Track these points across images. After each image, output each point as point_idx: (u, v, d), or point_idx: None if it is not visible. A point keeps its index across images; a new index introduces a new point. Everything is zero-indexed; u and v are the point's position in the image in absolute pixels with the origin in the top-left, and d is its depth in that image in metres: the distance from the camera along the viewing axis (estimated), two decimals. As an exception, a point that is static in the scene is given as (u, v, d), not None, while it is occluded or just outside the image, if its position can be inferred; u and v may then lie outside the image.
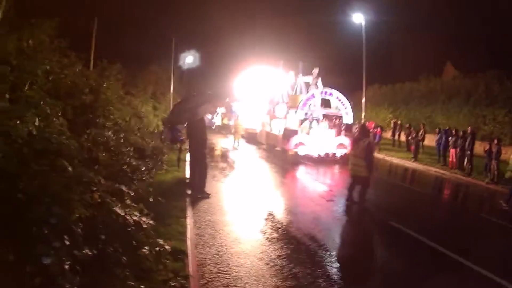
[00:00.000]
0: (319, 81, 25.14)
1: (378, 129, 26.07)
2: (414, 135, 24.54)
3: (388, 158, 24.83)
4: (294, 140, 21.69)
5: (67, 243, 3.64)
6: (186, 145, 13.98)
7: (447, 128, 23.70)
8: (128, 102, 15.68)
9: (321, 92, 23.39)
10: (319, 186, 15.38)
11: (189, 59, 50.72)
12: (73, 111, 7.86)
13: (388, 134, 31.06)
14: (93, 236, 4.37)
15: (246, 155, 24.85)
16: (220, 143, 30.35)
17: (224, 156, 23.47)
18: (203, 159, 12.14)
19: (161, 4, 47.63)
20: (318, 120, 24.17)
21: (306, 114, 23.71)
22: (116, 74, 11.95)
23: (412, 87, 38.21)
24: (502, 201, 13.39)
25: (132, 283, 4.30)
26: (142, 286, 4.34)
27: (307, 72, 26.67)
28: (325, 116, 24.95)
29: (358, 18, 32.39)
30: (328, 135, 22.92)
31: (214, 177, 14.83)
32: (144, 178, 10.12)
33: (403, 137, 28.98)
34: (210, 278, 6.13)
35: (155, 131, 16.55)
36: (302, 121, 23.51)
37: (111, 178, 6.26)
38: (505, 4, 33.83)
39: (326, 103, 24.57)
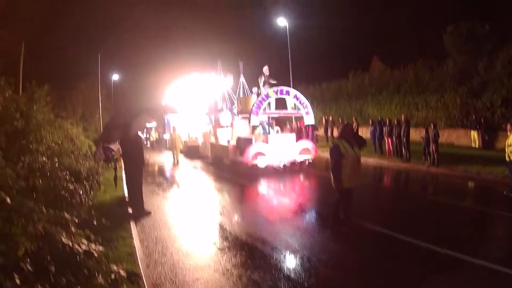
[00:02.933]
0: (271, 80, 21.64)
1: (310, 128, 26.31)
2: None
3: (323, 154, 24.34)
4: (252, 150, 18.33)
5: (18, 282, 3.21)
6: (121, 163, 13.45)
7: (379, 118, 24.35)
8: (59, 125, 14.94)
9: (276, 91, 19.97)
10: (277, 196, 14.69)
11: (115, 76, 49.69)
12: (5, 138, 7.27)
13: (320, 132, 31.04)
14: (42, 270, 3.94)
15: (188, 170, 22.48)
16: (158, 159, 28.87)
17: (164, 172, 22.28)
18: (139, 176, 11.62)
19: (85, 22, 46.03)
20: (271, 125, 21.79)
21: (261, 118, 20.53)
22: (45, 96, 11.27)
23: (340, 84, 38.89)
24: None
25: (92, 317, 3.88)
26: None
27: (247, 73, 25.27)
28: (274, 119, 22.67)
29: (282, 21, 32.91)
30: (289, 141, 19.85)
31: (155, 194, 14.35)
32: (83, 202, 9.55)
33: (336, 133, 29.23)
34: (169, 298, 5.75)
35: (88, 153, 15.83)
36: (254, 128, 20.51)
37: (51, 206, 5.78)
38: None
39: (280, 104, 21.62)
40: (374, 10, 42.41)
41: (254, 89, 22.54)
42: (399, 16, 39.80)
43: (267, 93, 19.69)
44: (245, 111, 21.19)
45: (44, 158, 8.52)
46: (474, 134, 24.13)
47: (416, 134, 23.20)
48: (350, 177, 8.54)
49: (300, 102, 20.34)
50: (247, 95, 24.14)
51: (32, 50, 27.04)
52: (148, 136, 44.25)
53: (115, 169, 14.99)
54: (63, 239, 4.27)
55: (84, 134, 23.28)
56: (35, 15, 27.07)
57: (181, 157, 26.01)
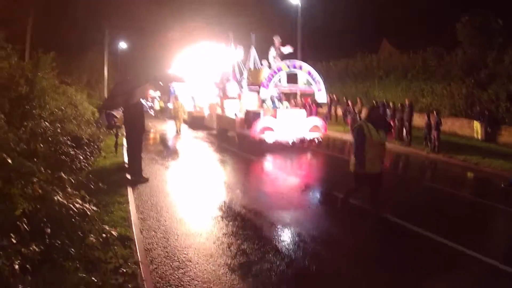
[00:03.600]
0: (287, 49, 20.68)
1: (314, 105, 26.15)
2: (350, 109, 24.75)
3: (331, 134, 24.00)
4: (259, 124, 17.55)
5: (14, 241, 3.40)
6: (123, 130, 13.58)
7: (384, 101, 24.37)
8: (63, 91, 15.04)
9: (288, 65, 18.81)
10: (279, 173, 14.35)
11: (122, 44, 49.31)
12: (9, 103, 7.42)
13: (324, 110, 30.83)
14: (38, 230, 4.12)
15: (191, 141, 21.84)
16: (161, 128, 28.29)
17: (165, 141, 21.98)
18: (139, 143, 11.79)
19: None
20: (280, 99, 20.78)
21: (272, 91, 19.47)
22: (50, 63, 11.37)
23: (347, 64, 38.09)
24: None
25: (83, 275, 4.08)
26: (93, 278, 4.13)
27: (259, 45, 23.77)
28: (283, 94, 21.53)
29: None
30: (298, 117, 18.87)
31: (154, 161, 14.49)
32: (83, 167, 9.73)
33: (339, 112, 29.33)
34: (160, 262, 5.95)
35: (91, 119, 15.98)
36: (263, 101, 19.93)
37: (51, 169, 5.95)
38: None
39: (291, 79, 20.46)
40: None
41: (265, 62, 21.41)
42: (414, 0, 39.34)
43: (280, 66, 18.63)
44: (255, 84, 20.11)
45: (46, 124, 8.66)
46: (477, 125, 24.03)
47: (420, 120, 23.20)
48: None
49: (313, 78, 19.11)
50: (258, 67, 23.08)
51: (40, 18, 26.94)
52: (152, 104, 43.45)
53: (117, 135, 15.16)
54: (59, 198, 4.44)
55: (88, 101, 23.32)
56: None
57: (185, 127, 25.54)
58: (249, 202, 9.57)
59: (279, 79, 19.26)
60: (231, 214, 8.57)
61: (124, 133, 12.54)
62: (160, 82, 46.96)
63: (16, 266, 3.16)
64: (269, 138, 17.48)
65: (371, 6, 41.66)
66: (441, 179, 14.61)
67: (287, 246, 6.91)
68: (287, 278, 5.76)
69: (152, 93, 41.07)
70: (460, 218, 9.22)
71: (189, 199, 9.83)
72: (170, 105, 37.36)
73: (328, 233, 7.77)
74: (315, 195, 10.99)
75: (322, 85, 19.12)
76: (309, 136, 18.44)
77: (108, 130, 16.81)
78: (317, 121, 19.20)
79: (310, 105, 24.25)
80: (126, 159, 13.14)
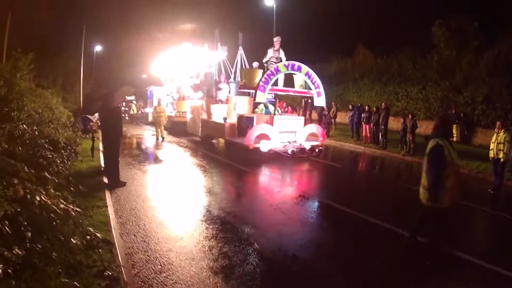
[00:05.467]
0: (282, 53, 18.83)
1: (289, 109, 26.05)
2: (326, 112, 24.89)
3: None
4: (254, 132, 15.96)
5: (-4, 244, 3.28)
6: (99, 135, 13.38)
7: (359, 104, 24.62)
8: (40, 94, 14.76)
9: (287, 66, 16.94)
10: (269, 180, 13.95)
11: (98, 47, 48.72)
12: (-13, 105, 7.25)
13: (299, 114, 30.92)
14: (19, 234, 4.00)
15: (172, 148, 20.24)
16: (138, 134, 27.57)
17: (143, 148, 20.62)
18: (117, 148, 11.61)
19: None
20: (273, 103, 18.72)
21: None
22: (29, 65, 11.11)
23: (322, 67, 38.41)
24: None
25: (66, 281, 3.97)
26: (75, 283, 4.02)
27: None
28: (277, 98, 18.86)
29: (270, 1, 32.03)
30: (297, 124, 17.52)
31: (132, 166, 14.29)
32: (60, 170, 9.54)
33: (314, 115, 29.31)
34: (141, 266, 5.83)
35: (67, 123, 15.70)
36: (255, 106, 18.50)
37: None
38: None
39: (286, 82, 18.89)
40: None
41: (255, 64, 20.20)
42: (388, 4, 39.86)
43: (277, 67, 16.83)
44: (249, 86, 18.45)
45: (24, 126, 8.46)
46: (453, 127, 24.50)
47: (395, 123, 23.56)
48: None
49: (312, 81, 17.53)
50: (246, 67, 22.37)
51: (17, 19, 26.48)
52: (127, 109, 42.62)
53: (93, 139, 14.97)
54: (42, 198, 4.32)
55: (63, 105, 22.92)
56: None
57: (164, 133, 23.89)
58: (228, 205, 9.54)
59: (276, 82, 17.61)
60: (211, 217, 8.50)
61: (100, 137, 12.36)
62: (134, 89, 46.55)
63: (0, 271, 3.05)
64: (265, 147, 15.93)
65: (346, 10, 42.16)
66: (416, 180, 14.67)
67: (269, 250, 6.84)
68: (269, 280, 5.73)
69: (127, 97, 40.54)
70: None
71: (168, 204, 9.69)
72: (147, 110, 36.76)
73: (311, 236, 7.73)
74: (298, 199, 10.94)
75: (321, 89, 17.74)
76: (306, 144, 17.21)
77: (84, 134, 16.56)
78: (316, 128, 18.22)
79: (285, 109, 24.21)
80: (102, 163, 12.94)
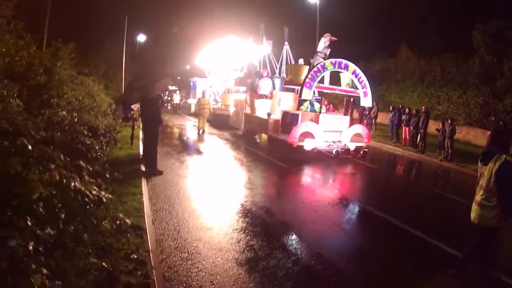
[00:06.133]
0: (327, 52, 18.54)
1: (331, 107, 26.10)
2: (367, 112, 24.71)
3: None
4: (299, 129, 15.69)
5: (30, 223, 3.54)
6: (139, 123, 13.76)
7: (400, 106, 24.28)
8: (81, 81, 15.27)
9: (334, 63, 16.66)
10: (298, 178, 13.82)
11: (141, 37, 49.58)
12: (28, 92, 7.62)
13: (340, 112, 30.78)
14: (53, 215, 4.26)
15: (213, 140, 20.17)
16: (180, 124, 27.75)
17: (185, 139, 20.60)
18: (156, 137, 11.95)
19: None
20: (319, 101, 18.57)
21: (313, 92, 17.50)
22: (70, 54, 11.55)
23: (365, 67, 38.16)
24: None
25: (95, 261, 4.22)
26: (103, 264, 4.26)
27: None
28: (323, 96, 19.12)
29: None
30: (342, 123, 17.15)
31: (169, 156, 14.66)
32: (98, 157, 9.90)
33: (355, 115, 29.04)
34: (170, 253, 6.09)
35: (108, 110, 16.17)
36: (300, 103, 17.78)
37: (68, 157, 6.10)
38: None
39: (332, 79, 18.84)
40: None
41: (301, 60, 20.21)
42: (432, 6, 39.21)
43: (324, 64, 16.58)
44: (295, 82, 18.43)
45: (63, 113, 8.83)
46: None
47: (435, 127, 23.23)
48: None
49: (359, 80, 17.26)
50: (291, 62, 22.00)
51: (58, 7, 27.23)
52: (170, 98, 43.22)
53: (133, 127, 15.39)
54: (76, 184, 4.58)
55: (105, 92, 23.55)
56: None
57: (206, 125, 23.43)
58: (260, 199, 9.74)
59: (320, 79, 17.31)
60: (242, 211, 8.70)
61: (141, 126, 12.71)
62: (178, 77, 47.01)
63: (30, 247, 3.29)
64: (309, 145, 15.83)
65: (390, 10, 41.52)
66: (451, 188, 14.63)
67: (295, 248, 6.99)
68: (292, 276, 5.86)
69: (170, 87, 41.18)
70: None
71: (202, 195, 9.92)
72: (190, 101, 36.79)
73: (350, 242, 7.84)
74: (333, 201, 10.99)
75: (368, 89, 17.46)
76: (351, 145, 17.01)
77: (125, 122, 17.02)
78: (360, 129, 17.82)
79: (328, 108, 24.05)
80: (141, 151, 13.32)
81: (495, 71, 26.90)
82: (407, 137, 22.01)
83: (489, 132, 6.19)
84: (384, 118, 28.81)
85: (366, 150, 17.45)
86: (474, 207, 5.99)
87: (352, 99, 28.68)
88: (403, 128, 22.36)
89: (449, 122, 18.91)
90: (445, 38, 34.97)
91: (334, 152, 16.34)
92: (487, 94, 25.84)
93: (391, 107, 25.28)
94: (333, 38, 18.69)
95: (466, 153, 19.72)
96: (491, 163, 5.79)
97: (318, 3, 31.86)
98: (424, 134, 20.43)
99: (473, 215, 5.99)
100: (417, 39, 39.36)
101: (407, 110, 22.53)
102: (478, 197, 5.94)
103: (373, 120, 25.61)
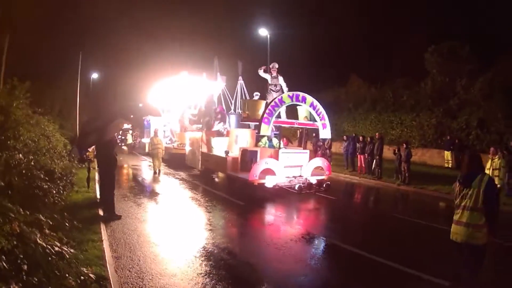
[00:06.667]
0: (281, 80, 18.62)
1: (285, 140, 26.34)
2: (321, 143, 25.04)
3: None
4: (259, 167, 15.44)
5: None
6: (95, 164, 13.56)
7: (353, 135, 24.85)
8: (37, 121, 14.96)
9: (291, 97, 16.41)
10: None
11: (95, 75, 49.35)
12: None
13: (294, 145, 31.02)
14: (16, 268, 4.13)
15: (169, 181, 20.05)
16: (135, 165, 27.58)
17: (140, 180, 20.41)
18: (112, 180, 11.80)
19: (69, 16, 45.43)
20: (277, 136, 18.56)
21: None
22: (25, 93, 11.34)
23: (316, 97, 38.87)
24: None
25: (61, 317, 4.09)
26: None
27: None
28: (280, 130, 18.75)
29: (264, 32, 32.66)
30: (302, 157, 17.08)
31: (127, 199, 14.46)
32: (56, 201, 9.66)
33: (309, 146, 29.39)
34: (135, 303, 5.96)
35: (63, 152, 15.87)
36: (258, 139, 18.03)
37: (26, 205, 5.95)
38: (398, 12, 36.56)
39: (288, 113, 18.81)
40: (355, 26, 43.36)
41: (256, 94, 19.92)
42: (381, 33, 40.81)
43: (281, 98, 16.22)
44: (252, 117, 17.73)
45: (20, 156, 8.63)
46: (447, 154, 24.94)
47: (390, 152, 23.88)
48: None
49: (317, 112, 17.10)
50: (246, 97, 22.04)
51: (14, 44, 26.91)
52: (123, 138, 42.09)
53: (88, 170, 15.10)
54: (37, 240, 4.48)
55: (60, 132, 23.11)
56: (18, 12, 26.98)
57: (162, 166, 23.41)
58: (221, 241, 9.62)
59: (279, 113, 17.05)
60: (205, 254, 8.60)
61: (97, 168, 12.54)
62: (131, 116, 46.77)
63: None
64: (270, 182, 15.56)
65: (338, 41, 42.99)
66: (412, 211, 15.05)
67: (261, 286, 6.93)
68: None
69: (124, 125, 40.72)
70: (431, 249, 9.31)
71: (163, 239, 9.76)
72: (144, 140, 36.24)
73: (316, 274, 7.83)
74: (292, 233, 11.00)
75: (327, 120, 17.30)
76: (312, 179, 16.82)
77: (80, 164, 16.71)
78: (321, 161, 17.76)
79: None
80: (98, 195, 13.08)
81: (448, 91, 28.08)
82: (363, 165, 22.50)
83: (465, 158, 6.37)
84: (338, 147, 29.37)
85: (329, 183, 17.28)
86: (459, 228, 6.09)
87: (306, 131, 29.07)
88: (358, 156, 22.86)
89: (404, 146, 19.47)
90: (395, 64, 36.29)
91: (296, 188, 16.11)
92: (440, 114, 26.90)
93: (344, 136, 25.78)
94: (263, 67, 18.84)
95: (423, 175, 20.53)
96: (476, 184, 6.00)
97: (268, 37, 32.53)
98: (380, 160, 20.99)
99: (459, 236, 6.07)
100: (367, 68, 40.75)
101: (361, 138, 23.08)
102: (464, 218, 6.06)
103: (328, 151, 25.99)
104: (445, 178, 19.28)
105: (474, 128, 24.45)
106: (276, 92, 18.15)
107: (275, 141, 18.14)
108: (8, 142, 9.03)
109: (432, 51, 31.38)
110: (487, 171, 12.24)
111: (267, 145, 17.82)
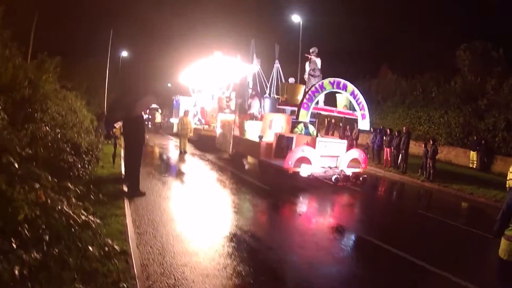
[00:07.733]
0: (319, 61, 17.87)
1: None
2: (348, 134, 24.82)
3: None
4: (295, 154, 14.69)
5: (15, 246, 3.42)
6: (121, 141, 13.66)
7: (381, 127, 24.57)
8: (64, 96, 15.15)
9: (332, 83, 15.68)
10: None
11: (124, 53, 49.57)
12: (12, 105, 7.51)
13: (321, 133, 30.76)
14: (36, 238, 4.14)
15: (197, 162, 19.80)
16: (162, 144, 27.62)
17: (166, 159, 20.76)
18: (138, 157, 11.81)
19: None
20: (313, 123, 17.64)
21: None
22: (55, 67, 11.46)
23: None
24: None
25: (80, 286, 4.09)
26: (90, 290, 4.15)
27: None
28: (317, 118, 17.95)
29: (296, 18, 32.57)
30: (339, 148, 16.28)
31: (151, 176, 14.54)
32: (81, 175, 9.75)
33: (337, 136, 29.20)
34: (156, 279, 5.94)
35: (90, 127, 16.03)
36: (294, 125, 17.03)
37: (52, 176, 5.98)
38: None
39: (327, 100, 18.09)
40: (390, 18, 42.63)
41: (291, 79, 19.62)
42: (415, 27, 40.11)
43: (322, 84, 15.56)
44: (291, 102, 17.33)
45: (47, 128, 8.72)
46: (473, 154, 24.62)
47: (416, 147, 23.51)
48: None
49: (357, 102, 16.44)
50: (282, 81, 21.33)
51: (43, 20, 27.16)
52: (150, 117, 42.44)
53: (115, 146, 15.21)
54: (64, 208, 4.47)
55: (87, 108, 23.36)
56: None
57: (190, 147, 23.46)
58: (245, 223, 9.62)
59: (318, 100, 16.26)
60: (228, 235, 8.60)
61: (123, 144, 12.60)
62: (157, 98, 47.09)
63: (16, 272, 3.19)
64: (306, 171, 14.81)
65: (371, 31, 42.36)
66: (434, 208, 14.92)
67: (282, 272, 6.96)
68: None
69: (152, 105, 40.88)
70: (451, 248, 9.35)
71: (186, 218, 9.80)
72: (172, 120, 36.27)
73: (334, 265, 7.76)
74: (317, 224, 10.92)
75: (367, 111, 16.62)
76: (348, 171, 15.90)
77: (107, 140, 16.86)
78: (358, 153, 16.83)
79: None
80: (123, 171, 13.17)
81: (477, 91, 27.56)
82: (389, 158, 22.23)
83: None
84: (365, 139, 29.05)
85: (366, 176, 16.31)
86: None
87: (333, 120, 28.75)
88: (385, 149, 22.60)
89: (431, 142, 19.24)
90: (427, 58, 35.69)
91: (333, 179, 15.17)
92: (468, 113, 26.40)
93: (372, 128, 25.41)
94: (306, 55, 18.30)
95: (448, 173, 20.33)
96: None
97: (301, 23, 32.24)
98: (406, 154, 20.77)
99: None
100: (398, 59, 39.99)
101: (388, 131, 22.85)
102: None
103: (354, 141, 25.71)
104: (469, 179, 19.23)
105: (501, 130, 24.04)
106: (315, 77, 17.42)
107: (311, 128, 17.33)
108: (36, 114, 9.12)
109: (464, 49, 30.91)
110: (509, 174, 11.69)
111: (303, 132, 16.81)
